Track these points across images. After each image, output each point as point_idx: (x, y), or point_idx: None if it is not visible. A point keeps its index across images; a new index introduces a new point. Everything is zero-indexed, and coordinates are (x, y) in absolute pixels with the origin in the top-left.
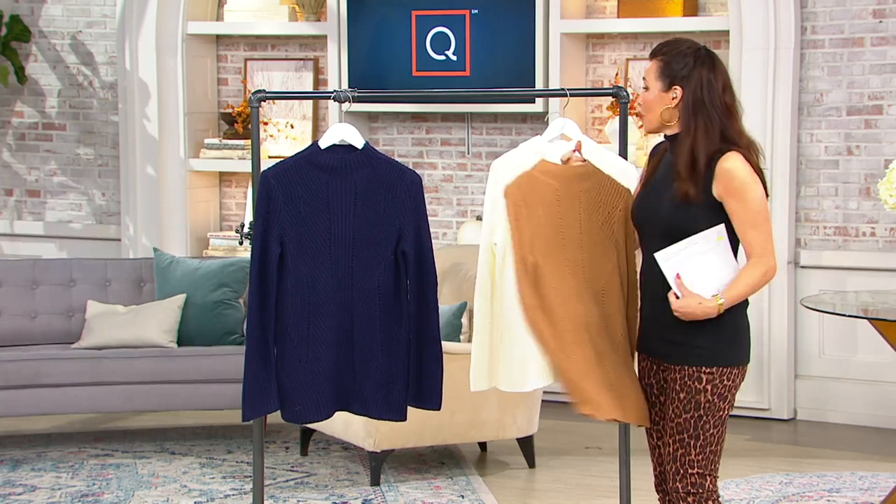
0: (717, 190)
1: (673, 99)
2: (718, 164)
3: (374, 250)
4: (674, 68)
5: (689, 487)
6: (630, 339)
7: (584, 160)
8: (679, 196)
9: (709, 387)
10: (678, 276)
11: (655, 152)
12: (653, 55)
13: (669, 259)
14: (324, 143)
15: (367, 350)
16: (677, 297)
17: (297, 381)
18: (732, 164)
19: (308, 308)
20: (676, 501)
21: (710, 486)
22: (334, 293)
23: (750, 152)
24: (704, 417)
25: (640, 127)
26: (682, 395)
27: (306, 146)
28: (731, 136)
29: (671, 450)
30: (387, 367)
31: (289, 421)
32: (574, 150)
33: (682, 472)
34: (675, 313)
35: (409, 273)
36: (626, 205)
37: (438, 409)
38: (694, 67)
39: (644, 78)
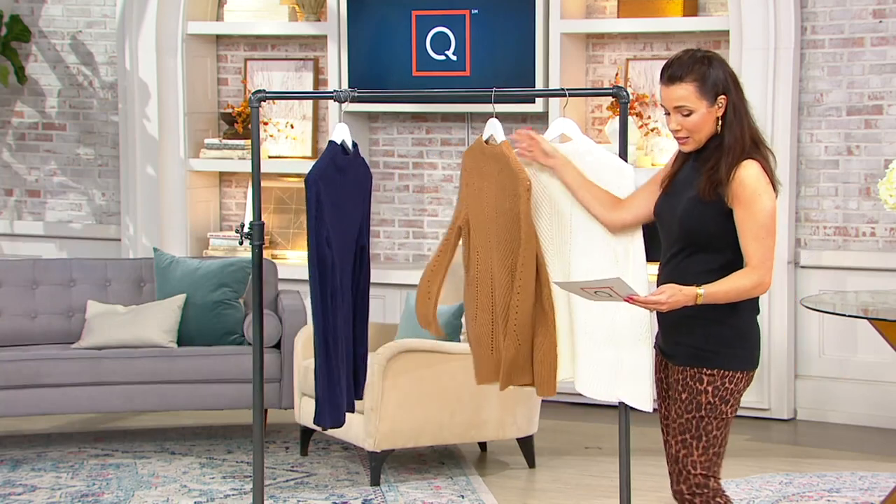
0: (729, 196)
1: (719, 108)
2: (736, 171)
3: (352, 248)
4: (712, 80)
5: (694, 489)
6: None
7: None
8: (705, 194)
9: (710, 388)
10: (630, 298)
11: (681, 153)
12: (677, 80)
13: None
14: (338, 140)
15: (349, 347)
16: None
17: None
18: (748, 172)
19: (340, 312)
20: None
21: (714, 485)
22: (342, 296)
23: (768, 159)
24: (706, 419)
25: (641, 127)
26: (683, 396)
27: (328, 146)
28: (758, 136)
29: (674, 451)
30: (354, 363)
31: (327, 427)
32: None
33: (684, 473)
34: (665, 309)
35: (363, 267)
36: (524, 191)
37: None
38: (722, 71)
39: (677, 107)
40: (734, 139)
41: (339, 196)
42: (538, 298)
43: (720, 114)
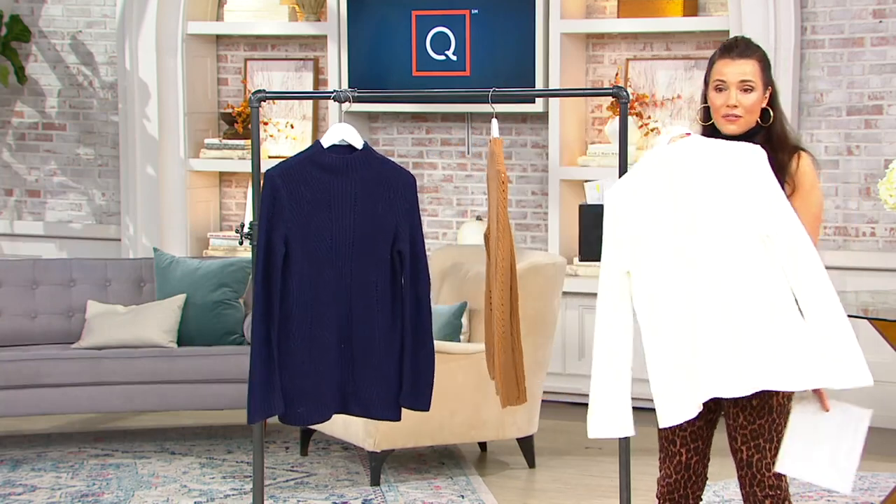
0: (789, 185)
1: (765, 98)
2: (798, 160)
3: (372, 250)
4: (770, 67)
5: (768, 490)
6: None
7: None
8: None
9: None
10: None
11: None
12: (744, 55)
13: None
14: (326, 141)
15: (366, 350)
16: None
17: (300, 383)
18: (807, 162)
19: (311, 309)
20: None
21: (785, 485)
22: (335, 294)
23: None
24: (777, 420)
25: (641, 127)
26: (754, 402)
27: (309, 145)
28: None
29: (745, 456)
30: (384, 368)
31: (290, 423)
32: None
33: (758, 477)
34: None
35: (405, 273)
36: (500, 185)
37: (427, 410)
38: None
39: (743, 81)
40: (786, 129)
41: (322, 195)
42: (512, 303)
43: (765, 104)
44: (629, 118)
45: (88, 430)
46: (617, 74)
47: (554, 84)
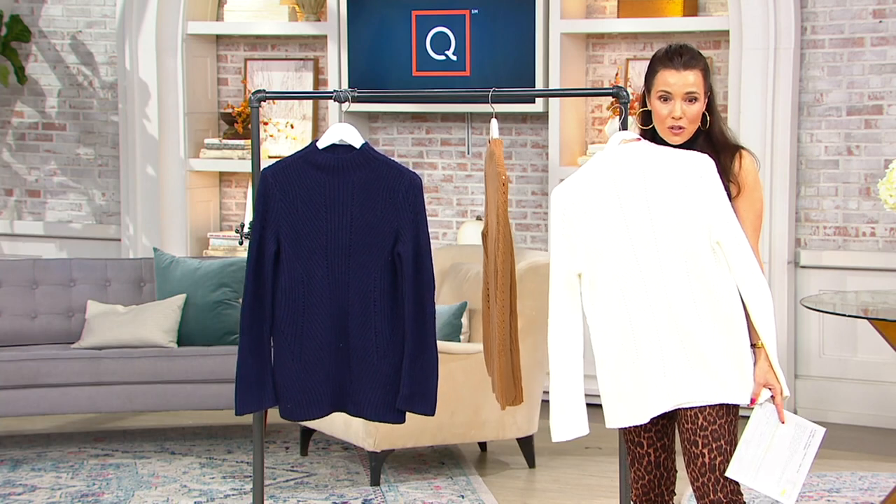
0: (734, 185)
1: (705, 103)
2: (740, 160)
3: (371, 251)
4: (710, 73)
5: (731, 496)
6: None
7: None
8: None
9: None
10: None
11: None
12: (691, 66)
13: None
14: (322, 142)
15: (363, 351)
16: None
17: (289, 379)
18: (750, 160)
19: (302, 306)
20: None
21: (741, 488)
22: (329, 292)
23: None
24: (734, 420)
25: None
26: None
27: (305, 146)
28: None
29: (707, 460)
30: (383, 369)
31: (283, 418)
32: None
33: (722, 480)
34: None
35: (406, 276)
36: (500, 186)
37: (432, 414)
38: None
39: (688, 93)
40: (724, 130)
41: (316, 194)
42: (512, 308)
43: (704, 109)
44: (629, 118)
45: (88, 430)
46: (617, 74)
47: (554, 84)
